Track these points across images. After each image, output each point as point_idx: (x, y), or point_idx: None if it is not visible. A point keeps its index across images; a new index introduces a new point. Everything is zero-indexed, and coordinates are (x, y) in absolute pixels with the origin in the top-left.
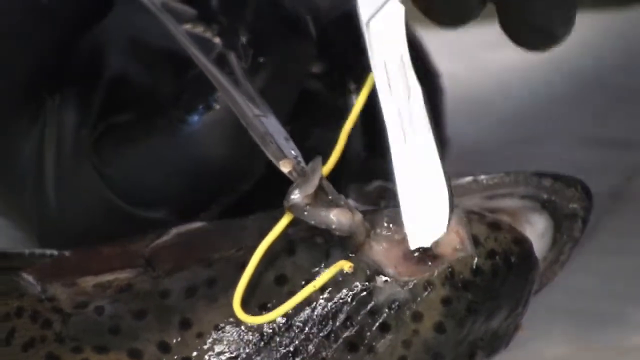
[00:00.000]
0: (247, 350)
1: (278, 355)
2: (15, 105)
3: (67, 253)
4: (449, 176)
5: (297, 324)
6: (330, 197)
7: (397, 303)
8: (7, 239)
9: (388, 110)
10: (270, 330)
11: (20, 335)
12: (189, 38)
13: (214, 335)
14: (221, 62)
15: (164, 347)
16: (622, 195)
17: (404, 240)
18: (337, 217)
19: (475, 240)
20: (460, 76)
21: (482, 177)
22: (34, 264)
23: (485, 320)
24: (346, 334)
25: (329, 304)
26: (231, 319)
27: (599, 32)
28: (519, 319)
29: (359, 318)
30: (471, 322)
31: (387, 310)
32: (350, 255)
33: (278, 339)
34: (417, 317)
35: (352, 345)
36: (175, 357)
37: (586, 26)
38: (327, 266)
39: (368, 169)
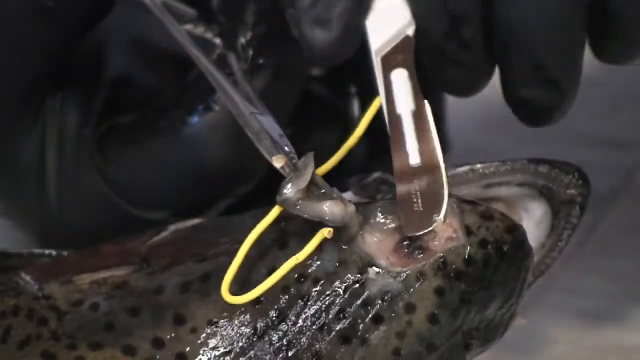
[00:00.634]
0: (241, 344)
1: (272, 349)
2: (16, 105)
3: (65, 253)
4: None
5: (290, 317)
6: (322, 191)
7: (389, 294)
8: (8, 239)
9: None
10: (264, 324)
11: (17, 333)
12: (189, 38)
13: (208, 330)
14: (221, 62)
15: (158, 343)
16: (623, 195)
17: (396, 231)
18: (330, 209)
19: (468, 230)
20: None
21: (479, 165)
22: (32, 264)
23: (479, 310)
24: (339, 326)
25: (322, 297)
26: (225, 314)
27: None
28: (514, 308)
29: (351, 310)
30: (465, 312)
31: (379, 301)
32: (343, 247)
33: (271, 333)
34: (410, 308)
35: (345, 338)
36: (169, 352)
37: None
38: (319, 258)
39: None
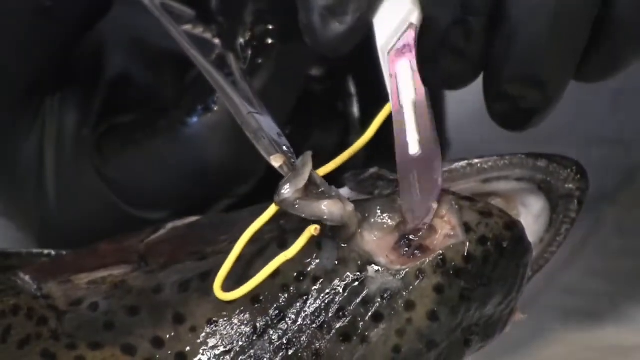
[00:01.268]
0: (241, 343)
1: (272, 348)
2: (16, 105)
3: (64, 253)
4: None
5: (290, 316)
6: (321, 190)
7: (389, 292)
8: (7, 239)
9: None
10: (264, 323)
11: (17, 333)
12: (188, 38)
13: (208, 329)
14: (221, 63)
15: (158, 342)
16: (623, 195)
17: (395, 229)
18: (328, 208)
19: (467, 227)
20: None
21: (477, 160)
22: (31, 264)
23: (479, 306)
24: (339, 324)
25: (321, 295)
26: (224, 313)
27: None
28: (513, 304)
29: (351, 308)
30: (464, 309)
31: (379, 299)
32: (342, 245)
33: (271, 332)
34: (410, 305)
35: (345, 336)
36: (169, 352)
37: None
38: (318, 257)
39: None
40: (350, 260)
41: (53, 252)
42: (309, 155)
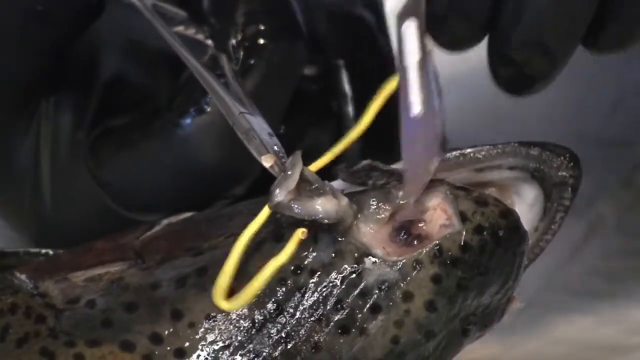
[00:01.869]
0: (240, 338)
1: (270, 342)
2: (10, 108)
3: (61, 252)
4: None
5: (288, 309)
6: (314, 186)
7: (386, 284)
8: (3, 239)
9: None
10: (262, 317)
11: (15, 332)
12: (179, 40)
13: (206, 325)
14: (213, 64)
15: (156, 339)
16: (623, 195)
17: (391, 220)
18: (323, 206)
19: (463, 216)
20: (460, 77)
21: (469, 150)
22: (28, 263)
23: (476, 295)
24: (337, 317)
25: (319, 288)
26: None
27: None
28: (510, 293)
29: (349, 301)
30: (462, 299)
31: (377, 291)
32: (339, 238)
33: (270, 326)
34: (407, 296)
35: (344, 328)
36: (168, 348)
37: None
38: (315, 250)
39: None
40: (347, 252)
41: (51, 252)
42: (298, 155)
